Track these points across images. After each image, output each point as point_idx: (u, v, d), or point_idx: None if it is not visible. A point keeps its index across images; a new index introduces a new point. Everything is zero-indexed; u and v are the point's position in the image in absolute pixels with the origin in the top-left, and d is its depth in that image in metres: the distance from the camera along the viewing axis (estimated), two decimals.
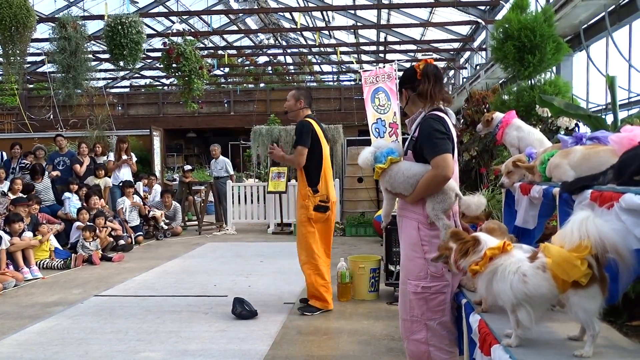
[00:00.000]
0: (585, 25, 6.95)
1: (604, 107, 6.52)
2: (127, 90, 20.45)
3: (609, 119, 4.24)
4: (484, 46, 11.49)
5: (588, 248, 1.69)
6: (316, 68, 21.05)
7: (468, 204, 2.63)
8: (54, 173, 9.16)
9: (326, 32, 16.26)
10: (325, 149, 4.81)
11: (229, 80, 20.25)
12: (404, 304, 2.69)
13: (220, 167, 11.10)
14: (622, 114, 4.61)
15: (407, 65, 13.82)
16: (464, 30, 12.90)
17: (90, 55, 9.57)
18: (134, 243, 8.71)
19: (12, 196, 7.61)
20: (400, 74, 2.94)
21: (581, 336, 1.85)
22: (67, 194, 8.65)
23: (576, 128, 4.98)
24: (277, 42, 19.09)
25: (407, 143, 2.74)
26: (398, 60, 4.44)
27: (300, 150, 4.63)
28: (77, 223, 7.94)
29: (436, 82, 2.68)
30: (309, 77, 21.79)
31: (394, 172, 2.64)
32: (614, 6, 6.26)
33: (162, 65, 9.81)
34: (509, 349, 1.81)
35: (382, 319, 4.51)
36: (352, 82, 19.36)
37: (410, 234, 2.65)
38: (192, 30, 12.20)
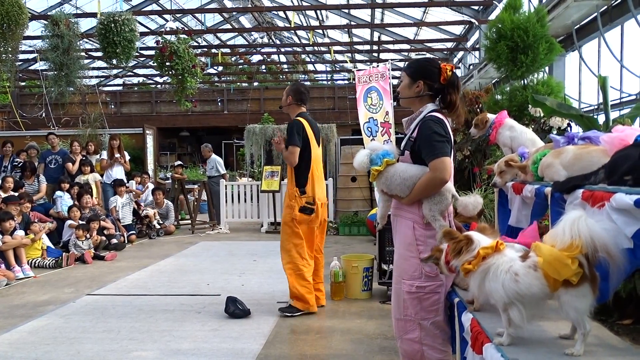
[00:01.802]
0: (578, 26, 7.00)
1: (596, 107, 6.56)
2: (120, 88, 20.36)
3: (601, 119, 4.28)
4: (477, 46, 11.54)
5: (579, 247, 1.69)
6: (310, 67, 21.05)
7: (465, 204, 2.63)
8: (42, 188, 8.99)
9: (320, 31, 16.26)
10: (315, 150, 4.70)
11: (223, 78, 20.22)
12: (397, 304, 2.68)
13: (211, 166, 11.07)
14: (613, 114, 4.65)
15: (401, 64, 13.86)
16: (458, 30, 12.96)
17: (83, 53, 9.52)
18: (126, 242, 8.68)
19: (3, 194, 7.56)
20: (406, 59, 2.85)
21: (572, 335, 1.86)
22: (58, 193, 8.59)
23: (568, 128, 5.02)
24: (271, 40, 19.07)
25: (404, 143, 2.69)
26: (392, 60, 4.43)
27: (292, 150, 4.56)
28: (69, 221, 7.89)
29: (459, 96, 2.63)
30: (303, 75, 21.79)
31: (390, 174, 2.62)
32: (606, 7, 6.30)
33: (155, 64, 9.77)
34: (500, 347, 1.82)
35: (375, 318, 4.52)
36: (346, 82, 19.39)
37: (405, 233, 2.64)
38: (186, 29, 12.16)
